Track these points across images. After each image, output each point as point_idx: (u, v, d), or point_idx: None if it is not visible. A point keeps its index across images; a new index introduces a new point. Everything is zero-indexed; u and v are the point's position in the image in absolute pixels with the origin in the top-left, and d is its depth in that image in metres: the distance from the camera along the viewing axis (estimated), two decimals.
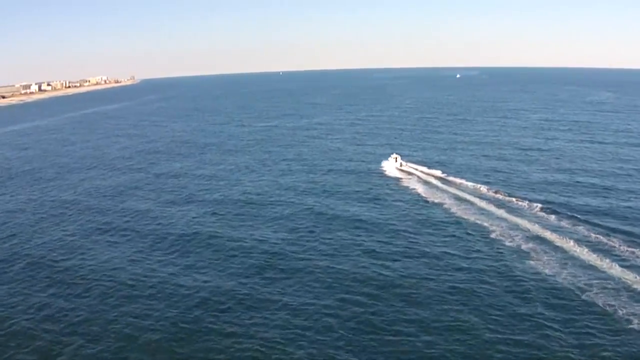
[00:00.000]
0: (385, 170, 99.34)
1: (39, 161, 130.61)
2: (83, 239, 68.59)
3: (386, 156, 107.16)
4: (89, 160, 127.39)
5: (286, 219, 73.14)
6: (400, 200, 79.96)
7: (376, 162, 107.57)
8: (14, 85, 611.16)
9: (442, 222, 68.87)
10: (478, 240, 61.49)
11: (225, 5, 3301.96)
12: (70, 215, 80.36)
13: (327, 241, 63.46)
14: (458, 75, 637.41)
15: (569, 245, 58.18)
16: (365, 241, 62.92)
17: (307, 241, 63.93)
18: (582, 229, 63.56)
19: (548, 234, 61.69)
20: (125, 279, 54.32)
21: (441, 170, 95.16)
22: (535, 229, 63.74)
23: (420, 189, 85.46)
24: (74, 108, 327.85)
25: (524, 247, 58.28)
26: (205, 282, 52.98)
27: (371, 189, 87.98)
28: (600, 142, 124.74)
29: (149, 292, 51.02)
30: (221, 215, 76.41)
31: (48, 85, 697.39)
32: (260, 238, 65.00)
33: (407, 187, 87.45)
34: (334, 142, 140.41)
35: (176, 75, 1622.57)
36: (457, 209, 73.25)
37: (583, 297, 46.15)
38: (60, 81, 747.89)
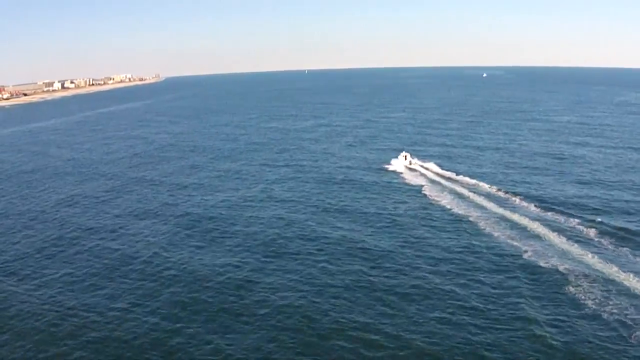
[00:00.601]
0: (392, 167, 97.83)
1: (10, 164, 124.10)
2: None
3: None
4: (64, 166, 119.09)
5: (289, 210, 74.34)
6: (399, 196, 79.31)
7: (387, 160, 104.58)
8: (36, 83, 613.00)
9: (448, 222, 66.23)
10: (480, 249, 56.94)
11: (252, 4, 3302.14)
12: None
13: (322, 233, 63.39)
14: (484, 75, 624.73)
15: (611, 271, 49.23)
16: (350, 230, 63.65)
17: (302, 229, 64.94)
18: (626, 251, 54.00)
19: (588, 258, 52.49)
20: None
21: (455, 172, 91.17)
22: (571, 250, 54.77)
23: (425, 186, 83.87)
24: (90, 107, 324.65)
25: (560, 268, 50.43)
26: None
27: (374, 183, 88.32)
28: (637, 149, 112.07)
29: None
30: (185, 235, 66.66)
31: (71, 83, 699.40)
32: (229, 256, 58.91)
33: (409, 184, 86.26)
34: (347, 140, 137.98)
35: (201, 73, 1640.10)
36: (462, 210, 69.91)
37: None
38: (84, 79, 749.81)
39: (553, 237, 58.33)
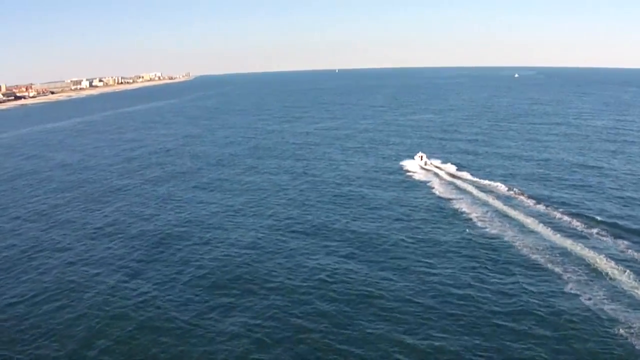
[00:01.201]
0: (407, 167, 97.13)
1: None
2: None
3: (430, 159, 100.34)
4: (49, 173, 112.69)
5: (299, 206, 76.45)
6: (409, 196, 79.13)
7: (404, 160, 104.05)
8: (64, 81, 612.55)
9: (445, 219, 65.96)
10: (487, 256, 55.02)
11: (284, 3, 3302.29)
12: None
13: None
14: (516, 75, 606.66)
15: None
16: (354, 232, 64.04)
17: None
18: None
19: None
20: None
21: (472, 174, 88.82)
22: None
23: (436, 187, 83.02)
24: (112, 106, 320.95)
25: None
26: None
27: (384, 182, 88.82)
28: None
29: None
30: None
31: (100, 81, 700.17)
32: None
33: (421, 184, 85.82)
34: (366, 140, 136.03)
35: (232, 72, 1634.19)
36: (478, 215, 67.58)
37: None
38: (112, 77, 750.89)
39: (598, 262, 51.22)
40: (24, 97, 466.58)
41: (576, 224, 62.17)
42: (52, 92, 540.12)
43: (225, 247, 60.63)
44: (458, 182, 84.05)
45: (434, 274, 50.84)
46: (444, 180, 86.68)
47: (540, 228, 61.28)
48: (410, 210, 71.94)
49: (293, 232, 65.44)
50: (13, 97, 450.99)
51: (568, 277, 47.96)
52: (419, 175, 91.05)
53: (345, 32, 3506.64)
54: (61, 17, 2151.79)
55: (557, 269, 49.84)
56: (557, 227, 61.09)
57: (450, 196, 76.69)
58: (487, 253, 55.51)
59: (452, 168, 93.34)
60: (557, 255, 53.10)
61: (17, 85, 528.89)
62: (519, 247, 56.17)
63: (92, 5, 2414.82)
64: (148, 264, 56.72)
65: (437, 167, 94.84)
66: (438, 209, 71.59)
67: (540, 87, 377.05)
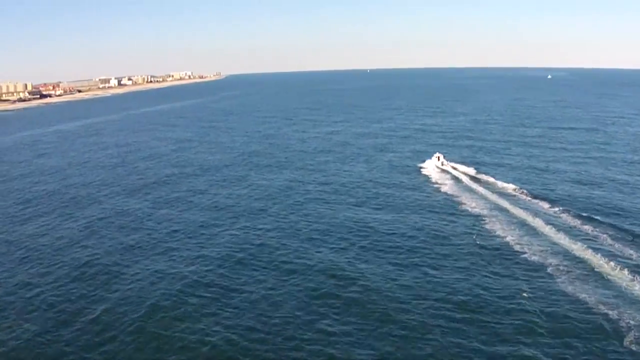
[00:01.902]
0: (424, 168, 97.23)
1: None
2: None
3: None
4: (22, 180, 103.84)
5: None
6: (418, 195, 79.27)
7: (422, 161, 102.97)
8: (92, 80, 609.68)
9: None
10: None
11: (315, 2, 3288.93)
12: None
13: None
14: (549, 76, 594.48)
15: None
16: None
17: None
18: None
19: None
20: None
21: (489, 176, 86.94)
22: None
23: (448, 187, 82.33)
24: (134, 105, 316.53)
25: None
26: None
27: (397, 180, 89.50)
28: None
29: None
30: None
31: (129, 79, 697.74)
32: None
33: (432, 184, 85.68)
34: (386, 141, 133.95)
35: (263, 71, 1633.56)
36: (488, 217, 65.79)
37: None
38: (141, 76, 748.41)
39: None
40: (50, 96, 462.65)
41: (598, 236, 57.58)
42: (79, 91, 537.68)
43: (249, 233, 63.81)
44: (472, 184, 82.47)
45: (434, 275, 50.04)
46: (459, 181, 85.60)
47: (553, 234, 57.99)
48: (417, 208, 72.01)
49: (298, 229, 65.40)
50: (39, 96, 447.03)
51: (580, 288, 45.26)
52: (434, 175, 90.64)
53: (378, 32, 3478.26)
54: (96, 16, 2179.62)
55: (570, 281, 46.84)
56: (571, 235, 57.39)
57: (461, 197, 75.52)
58: (490, 256, 53.74)
59: (470, 170, 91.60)
60: (573, 265, 49.93)
61: (45, 84, 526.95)
62: (527, 253, 53.58)
63: (127, 4, 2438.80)
64: None
65: (454, 167, 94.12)
66: (445, 209, 70.73)
67: (574, 89, 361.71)
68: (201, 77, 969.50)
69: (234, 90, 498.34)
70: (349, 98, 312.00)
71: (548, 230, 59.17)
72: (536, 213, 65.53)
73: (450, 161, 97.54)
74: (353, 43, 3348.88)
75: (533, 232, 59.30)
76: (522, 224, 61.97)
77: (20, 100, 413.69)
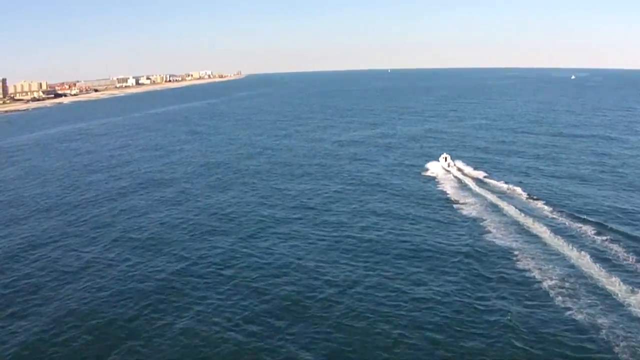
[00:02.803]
0: (430, 168, 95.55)
1: None
2: None
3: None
4: None
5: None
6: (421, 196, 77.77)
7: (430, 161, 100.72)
8: (109, 79, 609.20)
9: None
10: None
11: (335, 2, 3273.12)
12: None
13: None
14: (573, 77, 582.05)
15: None
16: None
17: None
18: None
19: None
20: None
21: (497, 179, 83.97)
22: None
23: (449, 189, 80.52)
24: (146, 106, 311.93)
25: None
26: None
27: (400, 180, 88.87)
28: None
29: None
30: None
31: (147, 79, 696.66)
32: None
33: (435, 185, 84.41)
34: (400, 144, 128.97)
35: (283, 71, 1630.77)
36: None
37: None
38: (160, 75, 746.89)
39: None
40: (65, 95, 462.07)
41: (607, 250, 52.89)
42: (96, 90, 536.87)
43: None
44: (476, 187, 79.30)
45: (418, 279, 48.79)
46: (463, 183, 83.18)
47: (554, 244, 54.16)
48: (413, 209, 70.98)
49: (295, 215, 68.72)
50: (53, 95, 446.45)
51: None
52: (439, 177, 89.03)
53: (398, 31, 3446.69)
54: (120, 16, 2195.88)
55: (566, 300, 42.73)
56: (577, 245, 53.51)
57: (462, 200, 73.48)
58: (480, 263, 51.20)
59: (478, 173, 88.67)
60: (573, 282, 45.84)
61: (61, 83, 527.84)
62: (521, 261, 50.64)
63: (150, 4, 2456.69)
64: None
65: (460, 169, 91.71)
66: (442, 210, 69.75)
67: (599, 90, 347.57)
68: (221, 76, 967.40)
69: (253, 90, 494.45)
70: (365, 100, 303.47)
71: (547, 237, 55.83)
72: (538, 219, 62.17)
73: (458, 163, 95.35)
74: (374, 43, 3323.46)
75: (528, 235, 57.05)
76: (520, 229, 59.27)
77: (34, 99, 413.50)
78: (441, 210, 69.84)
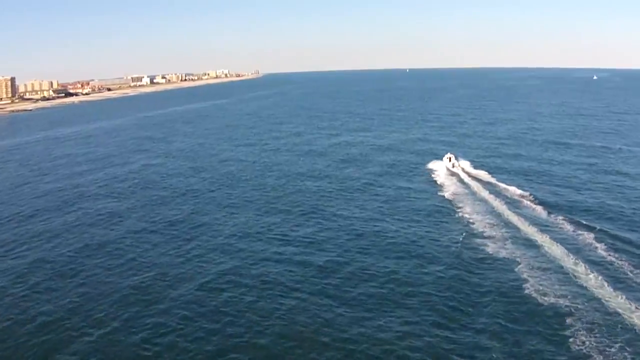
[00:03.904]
0: (432, 168, 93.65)
1: None
2: None
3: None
4: None
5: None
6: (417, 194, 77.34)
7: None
8: (123, 78, 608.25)
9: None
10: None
11: (354, 2, 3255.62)
12: None
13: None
14: (595, 77, 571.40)
15: None
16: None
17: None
18: None
19: None
20: None
21: (501, 181, 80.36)
22: None
23: (450, 189, 77.64)
24: (156, 106, 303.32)
25: None
26: None
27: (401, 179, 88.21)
28: None
29: None
30: None
31: (163, 78, 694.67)
32: None
33: (436, 184, 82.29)
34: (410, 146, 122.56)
35: (301, 70, 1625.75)
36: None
37: None
38: (176, 74, 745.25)
39: None
40: (77, 94, 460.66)
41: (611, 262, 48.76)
42: (109, 89, 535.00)
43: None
44: (479, 189, 75.77)
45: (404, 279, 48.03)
46: (466, 183, 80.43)
47: (557, 256, 49.99)
48: (409, 209, 70.18)
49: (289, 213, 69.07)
50: (64, 95, 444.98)
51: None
52: (441, 176, 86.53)
53: (416, 30, 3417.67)
54: (138, 15, 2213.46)
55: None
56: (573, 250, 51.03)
57: (460, 201, 71.24)
58: (468, 272, 48.52)
59: (483, 174, 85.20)
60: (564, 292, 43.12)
61: (74, 82, 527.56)
62: (515, 273, 47.42)
63: (167, 2, 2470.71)
64: None
65: (465, 170, 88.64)
66: (438, 212, 68.01)
67: (623, 91, 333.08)
68: (238, 75, 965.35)
69: (267, 89, 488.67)
70: (384, 100, 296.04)
71: (550, 248, 51.60)
72: (543, 227, 57.89)
73: (465, 164, 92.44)
74: (392, 42, 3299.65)
75: (528, 244, 53.41)
76: (521, 237, 55.74)
77: (44, 99, 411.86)
78: (435, 212, 68.09)
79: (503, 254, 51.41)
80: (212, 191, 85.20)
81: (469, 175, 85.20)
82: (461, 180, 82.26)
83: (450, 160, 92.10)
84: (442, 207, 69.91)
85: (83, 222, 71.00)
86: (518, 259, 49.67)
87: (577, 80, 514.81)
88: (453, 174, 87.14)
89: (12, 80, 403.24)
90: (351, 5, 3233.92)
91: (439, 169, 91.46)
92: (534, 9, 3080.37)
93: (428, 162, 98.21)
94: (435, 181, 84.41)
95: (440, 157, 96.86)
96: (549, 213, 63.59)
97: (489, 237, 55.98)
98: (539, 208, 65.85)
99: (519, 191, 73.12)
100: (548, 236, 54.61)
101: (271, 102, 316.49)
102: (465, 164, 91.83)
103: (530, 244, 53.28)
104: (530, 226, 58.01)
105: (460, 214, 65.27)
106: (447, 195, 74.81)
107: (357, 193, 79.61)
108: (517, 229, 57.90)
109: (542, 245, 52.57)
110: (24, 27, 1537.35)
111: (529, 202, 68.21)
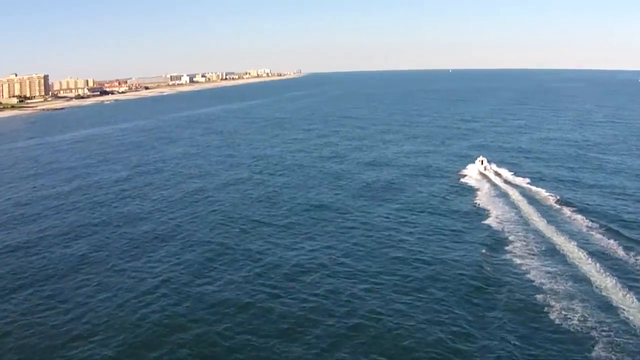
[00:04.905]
0: (464, 171, 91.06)
1: None
2: None
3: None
4: None
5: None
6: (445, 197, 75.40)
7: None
8: (162, 76, 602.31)
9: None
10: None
11: (396, 2, 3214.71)
12: None
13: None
14: None
15: None
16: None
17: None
18: None
19: None
20: None
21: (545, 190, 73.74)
22: None
23: (481, 193, 74.95)
24: (188, 106, 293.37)
25: None
26: None
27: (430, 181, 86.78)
28: None
29: None
30: None
31: (202, 76, 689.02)
32: None
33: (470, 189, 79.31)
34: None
35: (344, 70, 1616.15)
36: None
37: None
38: (216, 73, 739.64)
39: None
40: (112, 93, 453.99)
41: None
42: (147, 88, 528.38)
43: None
44: (513, 195, 72.46)
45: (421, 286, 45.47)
46: (497, 186, 78.59)
47: (592, 277, 44.10)
48: (437, 211, 68.34)
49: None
50: (99, 93, 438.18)
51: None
52: (472, 179, 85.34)
53: (460, 31, 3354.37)
54: (179, 13, 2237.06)
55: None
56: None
57: (490, 205, 68.02)
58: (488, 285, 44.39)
59: (518, 179, 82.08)
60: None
61: (110, 81, 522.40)
62: (541, 293, 41.90)
63: (211, 2, 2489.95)
64: None
65: (498, 174, 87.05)
66: (465, 215, 65.29)
67: None
68: (280, 75, 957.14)
69: (305, 89, 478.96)
70: (430, 102, 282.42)
71: (586, 267, 46.11)
72: (576, 238, 53.57)
73: (500, 168, 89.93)
74: (435, 42, 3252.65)
75: (559, 257, 49.00)
76: (552, 250, 50.95)
77: (78, 97, 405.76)
78: (462, 215, 65.96)
79: (529, 266, 47.55)
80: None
81: (502, 179, 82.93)
82: (493, 184, 79.86)
83: (482, 163, 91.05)
84: (470, 210, 67.49)
85: None
86: (546, 275, 45.30)
87: (622, 83, 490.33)
88: (484, 177, 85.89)
89: (46, 78, 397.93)
90: (394, 5, 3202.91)
91: (471, 171, 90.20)
92: (576, 11, 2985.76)
93: (463, 165, 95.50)
94: (466, 183, 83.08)
95: (473, 161, 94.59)
96: (589, 225, 58.01)
97: (515, 246, 52.60)
98: (578, 218, 60.72)
99: (555, 198, 68.78)
100: (584, 251, 49.64)
101: (296, 105, 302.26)
102: (499, 168, 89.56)
103: (562, 258, 48.84)
104: (564, 238, 53.50)
105: (487, 219, 62.09)
106: (475, 198, 72.69)
107: (386, 193, 78.63)
108: (549, 239, 53.68)
109: (575, 260, 47.97)
110: (65, 25, 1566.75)
111: (568, 212, 63.18)
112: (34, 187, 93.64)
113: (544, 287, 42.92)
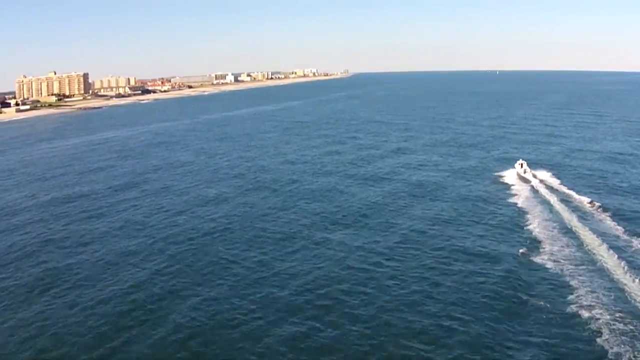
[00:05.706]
0: (503, 174, 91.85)
1: None
2: None
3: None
4: None
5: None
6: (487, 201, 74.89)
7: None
8: (206, 75, 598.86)
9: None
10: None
11: (445, 2, 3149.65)
12: None
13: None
14: None
15: None
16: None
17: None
18: None
19: None
20: None
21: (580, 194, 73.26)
22: None
23: (519, 197, 74.66)
24: (226, 107, 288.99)
25: None
26: None
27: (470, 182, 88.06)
28: None
29: None
30: None
31: (248, 76, 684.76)
32: None
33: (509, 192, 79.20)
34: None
35: (392, 70, 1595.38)
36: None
37: None
38: (262, 72, 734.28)
39: None
40: (155, 92, 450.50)
41: None
42: (190, 87, 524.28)
43: None
44: (552, 200, 70.26)
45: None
46: (536, 191, 77.00)
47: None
48: (473, 214, 68.47)
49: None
50: (140, 92, 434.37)
51: None
52: (510, 182, 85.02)
53: (507, 30, 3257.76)
54: (227, 13, 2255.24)
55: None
56: None
57: (527, 209, 67.68)
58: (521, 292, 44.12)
59: (559, 185, 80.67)
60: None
61: (153, 79, 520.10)
62: (575, 305, 41.00)
63: (259, 2, 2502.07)
64: None
65: (538, 177, 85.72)
66: (501, 219, 65.01)
67: None
68: (326, 74, 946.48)
69: (348, 90, 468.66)
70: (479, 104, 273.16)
71: (619, 270, 45.41)
72: (617, 248, 51.48)
73: (536, 170, 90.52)
74: (481, 42, 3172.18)
75: (597, 268, 47.06)
76: (589, 258, 49.55)
77: (119, 96, 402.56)
78: (497, 219, 65.62)
79: (564, 276, 46.18)
80: None
81: (542, 182, 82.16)
82: (532, 187, 79.11)
83: (522, 167, 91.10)
84: (506, 214, 67.35)
85: None
86: (581, 285, 43.85)
87: None
88: (524, 180, 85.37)
89: (85, 76, 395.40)
90: (442, 5, 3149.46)
91: (510, 175, 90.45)
92: (620, 12, 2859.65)
93: (504, 168, 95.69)
94: (506, 185, 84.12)
95: (513, 164, 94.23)
96: (630, 235, 56.01)
97: (551, 254, 51.27)
98: (620, 227, 58.64)
99: (597, 205, 67.02)
100: (625, 263, 47.18)
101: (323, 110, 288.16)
102: (539, 171, 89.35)
103: (600, 269, 46.78)
104: (604, 247, 51.48)
105: (524, 224, 61.68)
106: (512, 201, 72.80)
107: (426, 195, 79.75)
108: (587, 247, 52.07)
109: (614, 271, 45.76)
110: (112, 23, 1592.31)
111: (609, 220, 61.43)
112: None
113: (581, 299, 41.63)
